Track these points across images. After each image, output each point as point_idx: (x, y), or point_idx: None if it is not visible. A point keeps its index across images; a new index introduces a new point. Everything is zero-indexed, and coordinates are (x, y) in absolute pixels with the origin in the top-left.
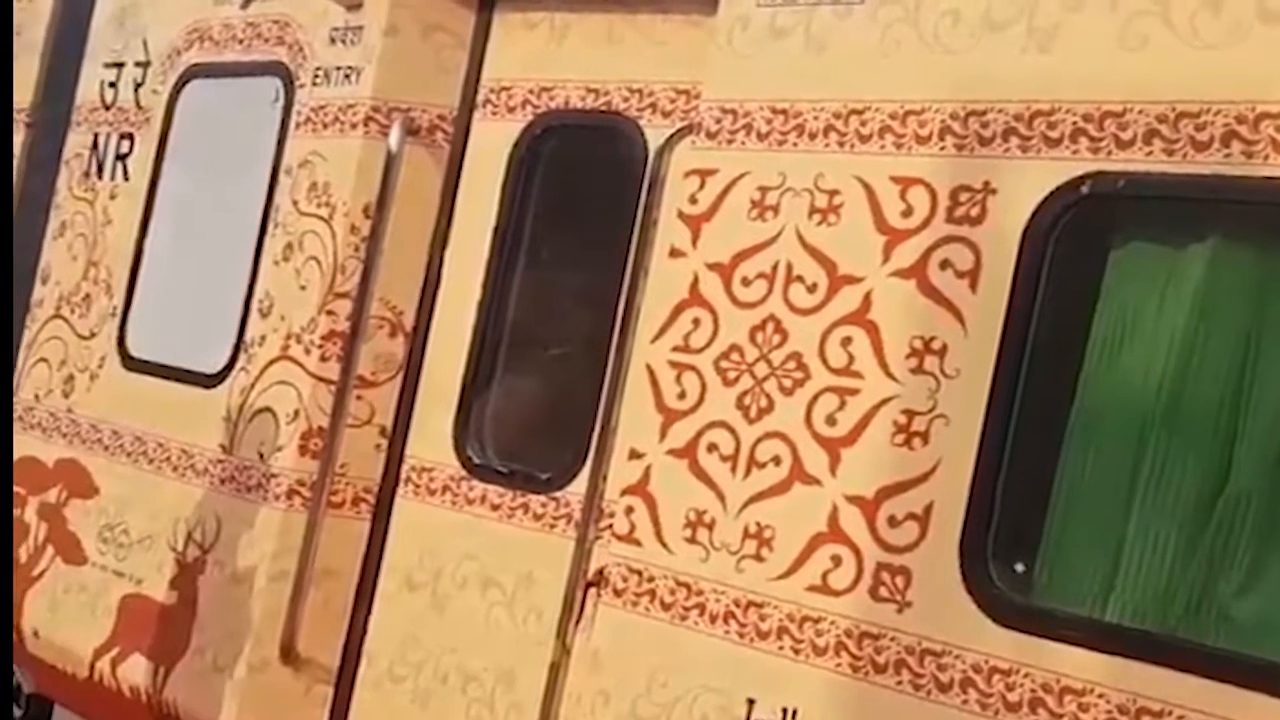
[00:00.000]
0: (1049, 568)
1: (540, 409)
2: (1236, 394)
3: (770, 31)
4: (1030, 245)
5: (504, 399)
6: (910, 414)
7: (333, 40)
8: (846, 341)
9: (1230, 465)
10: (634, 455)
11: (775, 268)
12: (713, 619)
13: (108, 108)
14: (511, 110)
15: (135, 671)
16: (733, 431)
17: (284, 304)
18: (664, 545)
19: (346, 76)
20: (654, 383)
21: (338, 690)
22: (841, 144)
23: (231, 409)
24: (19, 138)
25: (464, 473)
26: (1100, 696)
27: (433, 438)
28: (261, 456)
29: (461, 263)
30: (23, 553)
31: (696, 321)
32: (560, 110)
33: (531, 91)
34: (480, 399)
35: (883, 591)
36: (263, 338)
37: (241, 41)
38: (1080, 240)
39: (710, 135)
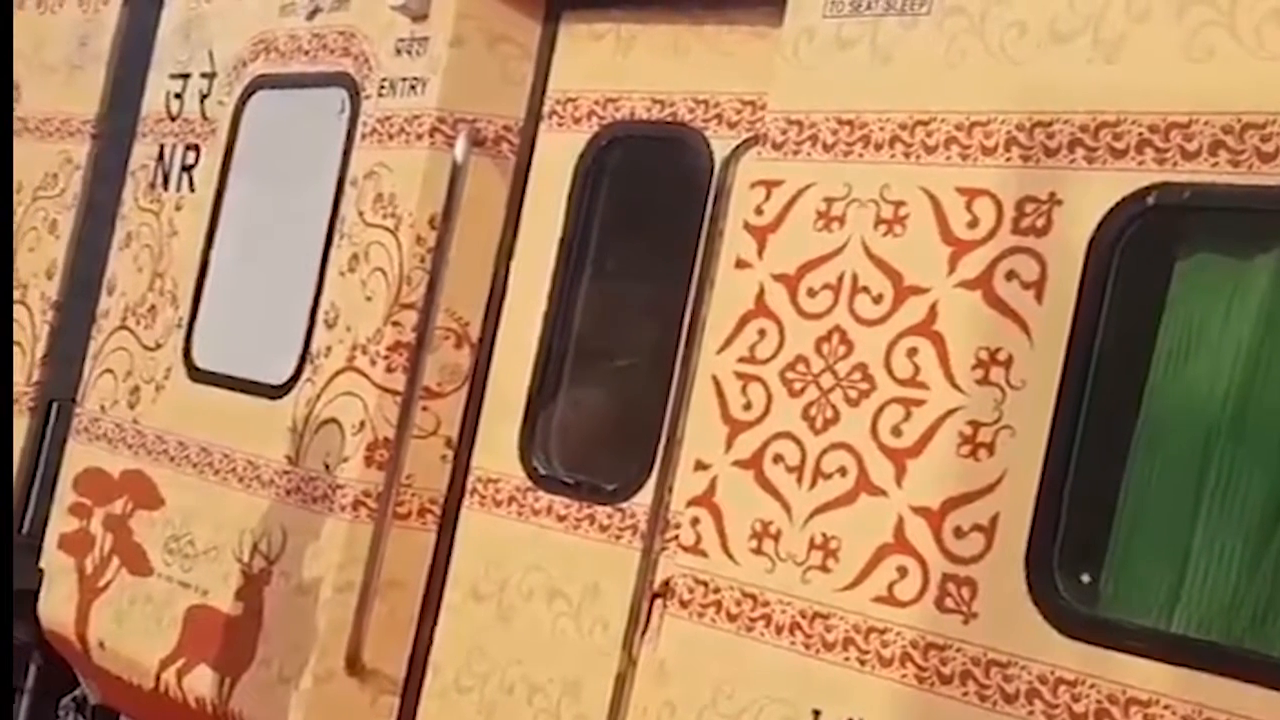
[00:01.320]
0: (1114, 579)
1: (606, 420)
2: None
3: (836, 42)
4: (1096, 256)
5: (570, 410)
6: (976, 425)
7: (398, 51)
8: (912, 352)
9: None
10: (700, 466)
11: (841, 279)
12: (778, 630)
13: (173, 119)
14: (577, 121)
15: (201, 683)
16: (798, 442)
17: (349, 315)
18: (730, 556)
19: (412, 87)
20: (720, 394)
21: (403, 701)
22: (907, 155)
23: (297, 420)
24: (85, 149)
25: (530, 484)
26: (1166, 708)
27: (498, 449)
28: (327, 468)
29: (527, 274)
30: (88, 564)
31: (762, 332)
32: (626, 121)
33: (597, 102)
34: (546, 410)
35: (948, 602)
36: (328, 349)
37: (307, 53)
38: (1146, 251)
39: (776, 146)
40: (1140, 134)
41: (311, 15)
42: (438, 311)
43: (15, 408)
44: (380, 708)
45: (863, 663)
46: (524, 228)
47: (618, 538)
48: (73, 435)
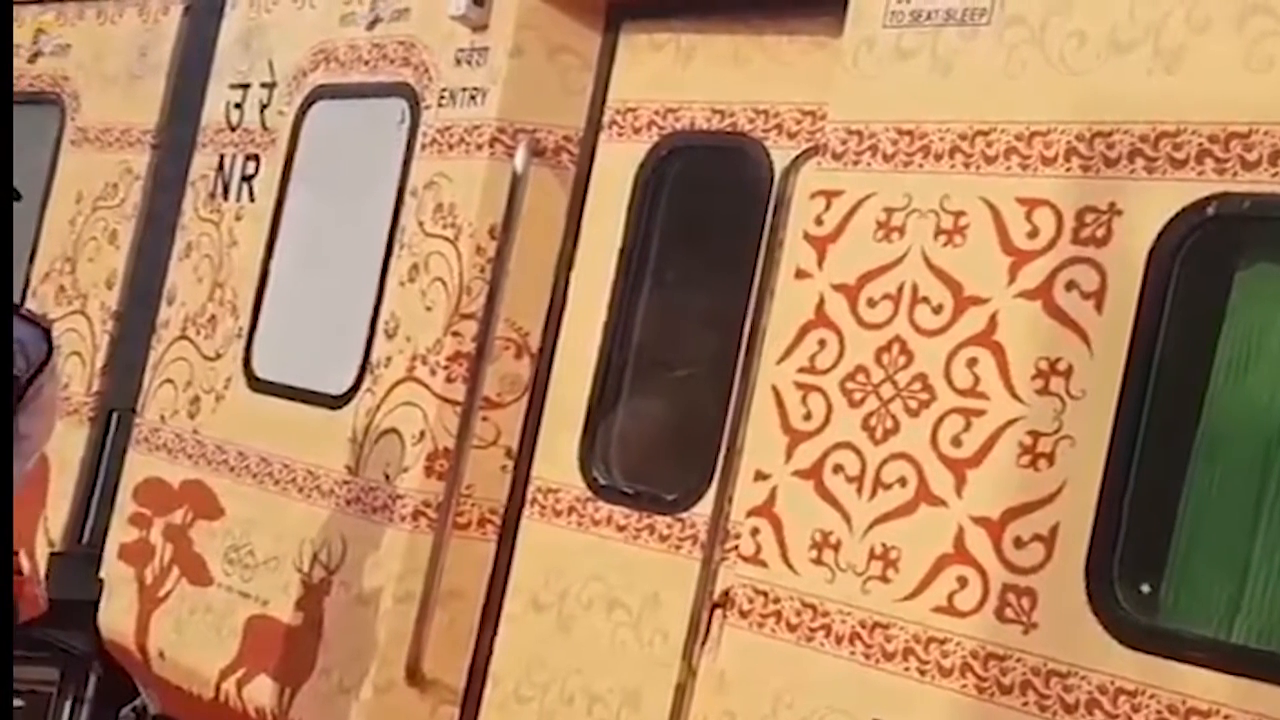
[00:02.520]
0: (1175, 589)
1: (666, 430)
2: None
3: (896, 53)
4: (1156, 266)
5: (630, 420)
6: (1036, 435)
7: (458, 61)
8: (972, 363)
9: None
10: (760, 476)
11: (901, 289)
12: (838, 640)
13: (233, 129)
14: (637, 131)
15: (261, 693)
16: (858, 453)
17: (409, 325)
18: (790, 566)
19: (472, 98)
20: (780, 404)
21: (463, 711)
22: (967, 165)
23: (357, 430)
24: (145, 159)
25: (590, 494)
26: (1226, 718)
27: (558, 459)
28: (387, 478)
29: (587, 284)
30: (148, 574)
31: (822, 343)
32: (686, 131)
33: (657, 113)
34: (606, 420)
35: (1008, 613)
36: (388, 359)
37: (367, 63)
38: (1206, 261)
39: (836, 156)
40: (1200, 144)
41: (371, 25)
42: (498, 321)
43: (76, 417)
44: (440, 718)
45: (923, 673)
46: (584, 238)
47: (677, 548)
48: (133, 445)
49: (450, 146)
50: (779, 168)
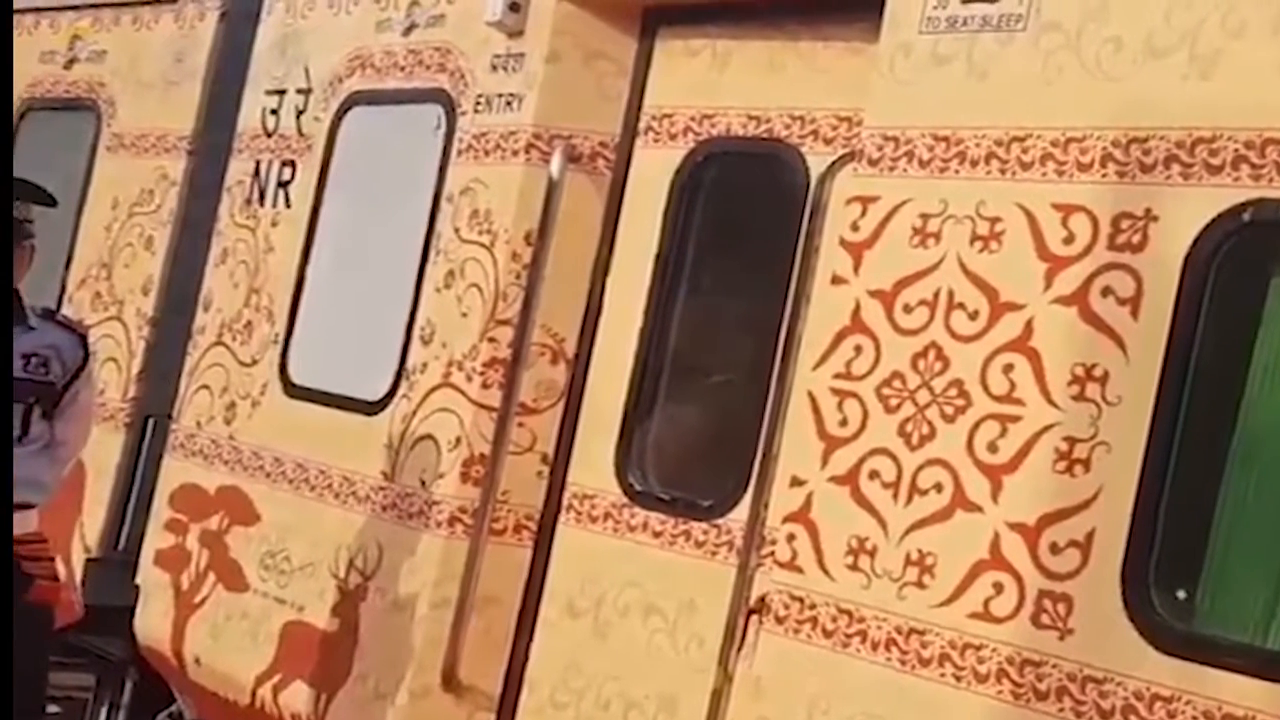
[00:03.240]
0: (1211, 595)
1: (702, 436)
2: None
3: (932, 59)
4: (1192, 272)
5: (666, 426)
6: (1072, 441)
7: (494, 67)
8: (1008, 368)
9: None
10: (796, 482)
11: (937, 295)
12: (874, 646)
13: (269, 135)
14: (673, 137)
15: (297, 698)
16: (894, 459)
17: (446, 331)
18: (826, 572)
19: (508, 103)
20: (816, 410)
21: (499, 717)
22: (1003, 171)
23: (393, 436)
24: (181, 165)
25: (626, 500)
26: None
27: (594, 465)
28: (423, 484)
29: (623, 290)
30: (184, 580)
31: (858, 348)
32: (722, 137)
33: (693, 119)
34: (642, 426)
35: (1044, 618)
36: (424, 365)
37: (403, 68)
38: (1242, 267)
39: (872, 162)
40: (1236, 150)
41: (407, 31)
42: (533, 327)
43: (112, 423)
44: None
45: (958, 679)
46: (620, 244)
47: (713, 554)
48: (169, 451)
49: (486, 152)
50: (815, 174)
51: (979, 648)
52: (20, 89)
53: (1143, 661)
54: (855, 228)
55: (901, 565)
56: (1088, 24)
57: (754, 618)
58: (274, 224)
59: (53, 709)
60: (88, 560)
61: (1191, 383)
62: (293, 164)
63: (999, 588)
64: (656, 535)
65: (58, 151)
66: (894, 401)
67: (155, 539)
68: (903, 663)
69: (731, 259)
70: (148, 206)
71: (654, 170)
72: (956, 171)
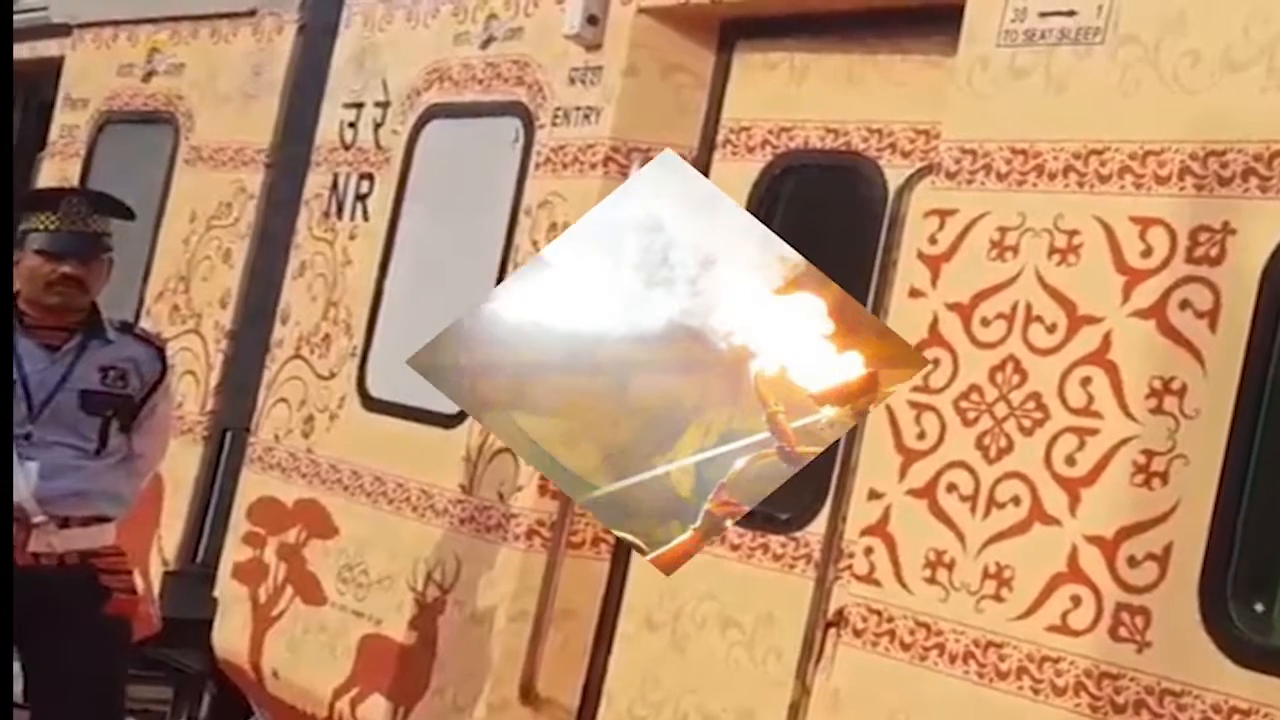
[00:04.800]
0: None
1: None
2: None
3: (1010, 72)
4: (1270, 285)
5: None
6: (1150, 454)
7: (572, 80)
8: (1086, 382)
9: None
10: (873, 495)
11: (1015, 308)
12: (952, 659)
13: (347, 148)
14: (751, 150)
15: (375, 712)
16: (972, 471)
17: None
18: (903, 585)
19: (586, 116)
20: (893, 423)
21: None
22: (1081, 184)
23: (471, 449)
24: (259, 178)
25: None
26: None
27: None
28: (501, 496)
29: None
30: (262, 593)
31: (936, 361)
32: (800, 150)
33: (771, 132)
34: None
35: (1122, 631)
36: None
37: (481, 81)
38: None
39: (950, 175)
40: None
41: (485, 44)
42: None
43: (190, 436)
44: None
45: (1036, 692)
46: None
47: (791, 567)
48: (247, 464)
49: (564, 165)
50: (893, 187)
51: (1057, 661)
52: (98, 102)
53: (1220, 675)
54: (933, 241)
55: (979, 578)
56: (1165, 37)
57: (832, 631)
58: (352, 237)
59: None
60: (165, 573)
61: (1269, 395)
62: (370, 177)
63: (1077, 601)
64: (734, 548)
65: (135, 164)
66: (972, 414)
67: (233, 552)
68: (980, 676)
69: None
70: (226, 219)
71: (732, 183)
72: (1034, 184)
